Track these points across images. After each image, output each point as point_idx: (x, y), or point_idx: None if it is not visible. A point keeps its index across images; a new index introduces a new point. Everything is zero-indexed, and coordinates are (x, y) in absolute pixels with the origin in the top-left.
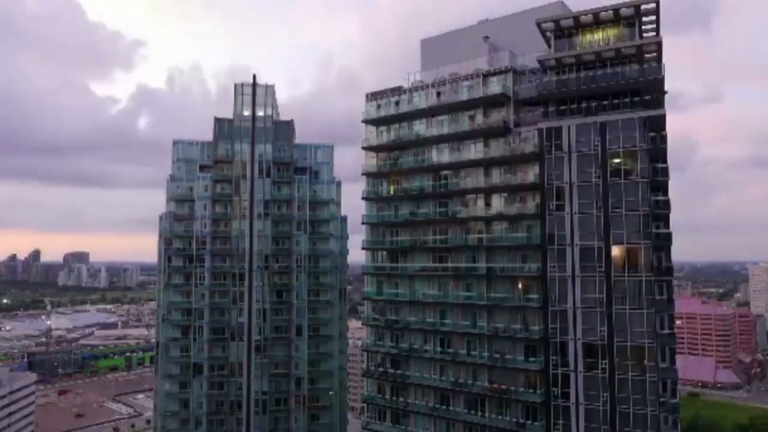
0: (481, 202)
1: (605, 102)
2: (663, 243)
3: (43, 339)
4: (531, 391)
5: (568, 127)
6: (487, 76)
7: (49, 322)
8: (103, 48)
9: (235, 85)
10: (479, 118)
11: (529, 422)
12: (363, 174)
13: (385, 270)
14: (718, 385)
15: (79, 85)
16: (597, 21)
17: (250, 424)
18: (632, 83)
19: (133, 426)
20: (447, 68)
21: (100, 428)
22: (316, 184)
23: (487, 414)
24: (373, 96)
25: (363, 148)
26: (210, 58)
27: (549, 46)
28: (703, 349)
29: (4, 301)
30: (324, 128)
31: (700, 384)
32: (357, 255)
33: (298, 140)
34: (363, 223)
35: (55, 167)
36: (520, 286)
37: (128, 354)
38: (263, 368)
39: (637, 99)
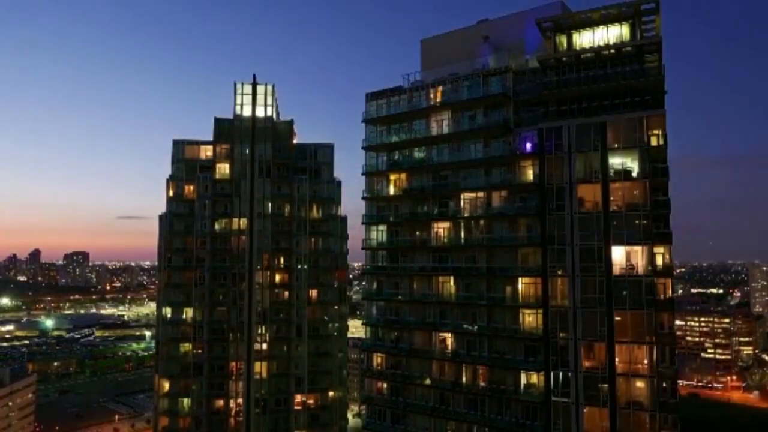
0: (481, 202)
1: (605, 102)
2: (663, 243)
3: (44, 339)
4: (531, 391)
5: (568, 127)
6: (487, 76)
7: (49, 322)
8: None
9: (235, 85)
10: (479, 117)
11: (529, 422)
12: (363, 174)
13: (385, 270)
14: (718, 384)
15: None
16: (597, 21)
17: (250, 424)
18: (632, 83)
19: (133, 426)
20: (447, 68)
21: (100, 428)
22: (316, 183)
23: (487, 414)
24: (373, 96)
25: (363, 148)
26: None
27: (549, 45)
28: (703, 349)
29: (4, 301)
30: None
31: (700, 384)
32: (357, 255)
33: (301, 138)
34: (363, 223)
35: None
36: (519, 285)
37: (128, 354)
38: (263, 368)
39: (637, 99)
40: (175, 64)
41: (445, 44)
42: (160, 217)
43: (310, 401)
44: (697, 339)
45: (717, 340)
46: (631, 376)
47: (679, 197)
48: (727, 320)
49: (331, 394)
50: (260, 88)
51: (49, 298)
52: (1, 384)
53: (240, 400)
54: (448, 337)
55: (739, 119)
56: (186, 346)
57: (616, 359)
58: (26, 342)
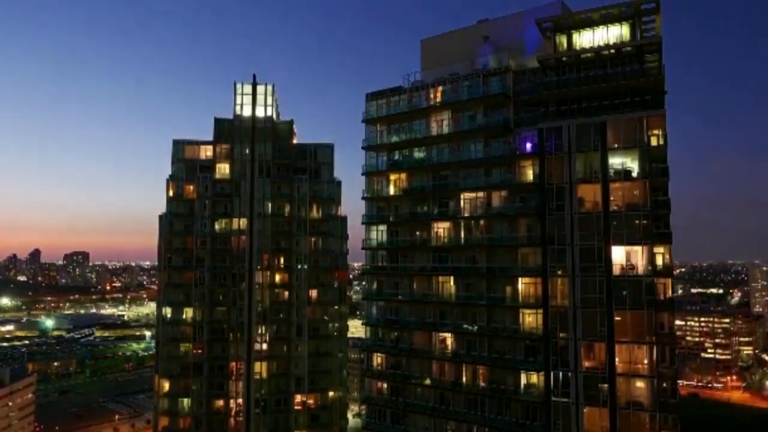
0: (481, 202)
1: (605, 102)
2: (663, 243)
3: (44, 339)
4: (531, 391)
5: (568, 127)
6: (487, 75)
7: (49, 322)
8: None
9: (235, 85)
10: (479, 117)
11: (529, 422)
12: (363, 174)
13: (385, 270)
14: (718, 384)
15: None
16: (597, 21)
17: (250, 424)
18: (632, 83)
19: (133, 426)
20: (447, 68)
21: (100, 428)
22: (316, 183)
23: (487, 414)
24: (373, 96)
25: (363, 148)
26: None
27: (549, 45)
28: (703, 349)
29: (4, 301)
30: None
31: (700, 384)
32: (357, 255)
33: (300, 138)
34: (363, 223)
35: None
36: (520, 285)
37: (128, 354)
38: (263, 368)
39: (637, 99)
40: (175, 64)
41: (445, 44)
42: (160, 217)
43: (310, 401)
44: (697, 339)
45: (717, 340)
46: (631, 376)
47: (680, 197)
48: (727, 320)
49: (331, 394)
50: (260, 88)
51: (49, 298)
52: (1, 384)
53: (240, 400)
54: (448, 337)
55: (741, 118)
56: (186, 346)
57: (616, 359)
58: (26, 342)
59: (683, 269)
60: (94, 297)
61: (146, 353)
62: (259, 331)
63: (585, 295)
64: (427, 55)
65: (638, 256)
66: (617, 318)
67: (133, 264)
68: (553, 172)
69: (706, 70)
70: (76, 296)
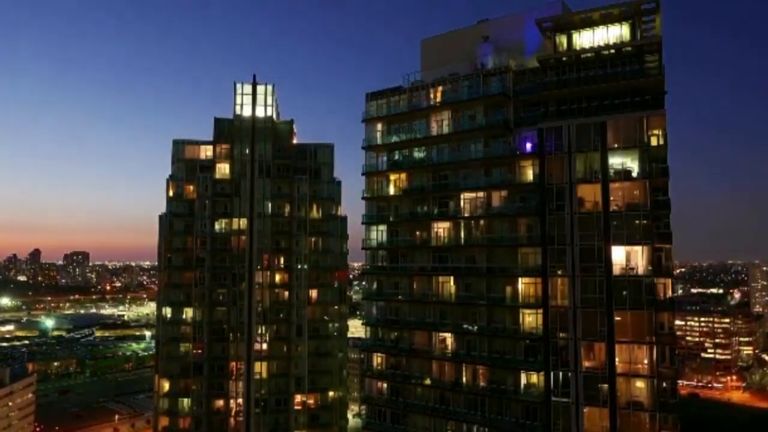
0: (481, 202)
1: (605, 102)
2: (663, 243)
3: (44, 339)
4: (531, 391)
5: (568, 127)
6: (487, 75)
7: (49, 322)
8: None
9: (235, 85)
10: (479, 117)
11: (529, 422)
12: (363, 174)
13: (384, 269)
14: (718, 384)
15: None
16: (597, 21)
17: (250, 424)
18: (632, 83)
19: (133, 426)
20: (447, 68)
21: (100, 428)
22: (316, 183)
23: (487, 414)
24: (373, 96)
25: (363, 148)
26: None
27: (549, 45)
28: (703, 349)
29: (4, 301)
30: None
31: (700, 384)
32: (357, 255)
33: (300, 138)
34: (363, 223)
35: None
36: (520, 285)
37: (128, 354)
38: (263, 368)
39: (637, 99)
40: (175, 63)
41: (445, 44)
42: (160, 217)
43: (310, 401)
44: (697, 339)
45: (717, 340)
46: (631, 376)
47: (680, 197)
48: (727, 320)
49: (331, 394)
50: (260, 88)
51: (49, 298)
52: (1, 384)
53: (240, 400)
54: (448, 337)
55: (742, 117)
56: (186, 346)
57: (616, 359)
58: (26, 342)
59: (683, 269)
60: (94, 297)
61: (146, 353)
62: (259, 331)
63: (585, 295)
64: (427, 55)
65: (638, 256)
66: (617, 318)
67: (133, 264)
68: (553, 172)
69: (707, 69)
70: (76, 296)
